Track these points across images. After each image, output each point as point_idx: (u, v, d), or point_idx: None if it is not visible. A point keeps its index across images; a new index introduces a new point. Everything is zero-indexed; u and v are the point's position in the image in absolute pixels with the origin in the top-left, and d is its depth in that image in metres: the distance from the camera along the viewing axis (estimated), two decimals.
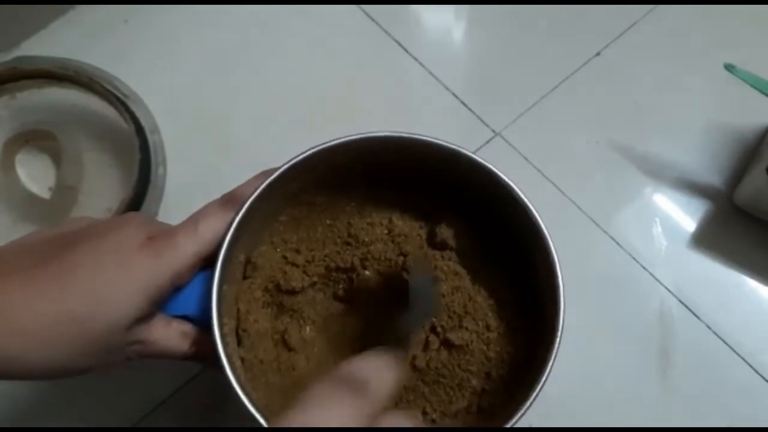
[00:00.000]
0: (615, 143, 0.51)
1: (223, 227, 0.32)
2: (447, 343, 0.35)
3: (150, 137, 0.47)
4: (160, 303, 0.31)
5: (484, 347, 0.35)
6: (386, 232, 0.38)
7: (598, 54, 0.53)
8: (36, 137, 0.49)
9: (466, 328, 0.35)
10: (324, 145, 0.34)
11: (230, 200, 0.32)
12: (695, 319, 0.46)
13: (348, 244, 0.38)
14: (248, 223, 0.33)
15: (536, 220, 0.33)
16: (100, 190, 0.48)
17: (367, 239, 0.38)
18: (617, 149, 0.50)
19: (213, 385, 0.44)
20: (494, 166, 0.34)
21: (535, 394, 0.30)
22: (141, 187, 0.45)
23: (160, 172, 0.47)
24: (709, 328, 0.46)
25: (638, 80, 0.52)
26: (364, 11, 0.54)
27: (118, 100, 0.46)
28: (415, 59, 0.53)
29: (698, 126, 0.51)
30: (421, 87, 0.52)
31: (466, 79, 0.52)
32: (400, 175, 0.37)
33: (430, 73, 0.52)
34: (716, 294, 0.47)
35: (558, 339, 0.31)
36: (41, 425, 0.44)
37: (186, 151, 0.49)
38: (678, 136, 0.51)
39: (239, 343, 0.34)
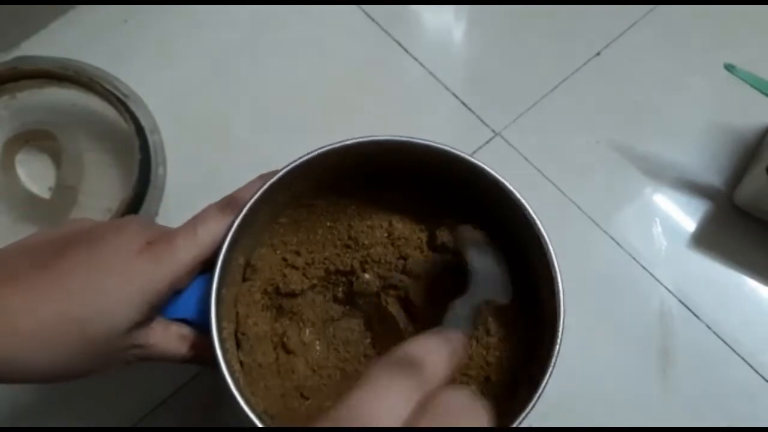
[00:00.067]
0: (615, 143, 0.51)
1: (222, 231, 0.32)
2: None
3: (150, 137, 0.47)
4: (159, 307, 0.31)
5: (484, 352, 0.35)
6: (386, 234, 0.38)
7: (598, 54, 0.53)
8: (36, 137, 0.49)
9: None
10: (324, 149, 0.33)
11: (229, 204, 0.32)
12: (695, 319, 0.46)
13: (348, 246, 0.38)
14: (248, 227, 0.33)
15: (534, 221, 0.33)
16: (100, 190, 0.48)
17: (367, 242, 0.38)
18: (617, 149, 0.50)
19: (213, 385, 0.44)
20: (493, 169, 0.34)
21: (536, 398, 0.30)
22: (141, 187, 0.45)
23: (160, 172, 0.47)
24: (709, 328, 0.46)
25: (638, 80, 0.52)
26: (364, 11, 0.54)
27: (118, 100, 0.46)
28: (415, 59, 0.53)
29: (698, 126, 0.51)
30: (421, 87, 0.52)
31: (466, 79, 0.52)
32: (399, 177, 0.37)
33: (430, 73, 0.52)
34: (716, 294, 0.47)
35: (558, 341, 0.31)
36: (41, 425, 0.44)
37: (186, 151, 0.49)
38: (678, 136, 0.51)
39: (238, 346, 0.34)
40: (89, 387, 0.44)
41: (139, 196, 0.45)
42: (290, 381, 0.36)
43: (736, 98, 0.49)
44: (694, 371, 0.45)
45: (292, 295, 0.37)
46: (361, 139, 0.34)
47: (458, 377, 0.35)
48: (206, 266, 0.32)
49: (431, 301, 0.37)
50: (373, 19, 0.54)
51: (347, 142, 0.34)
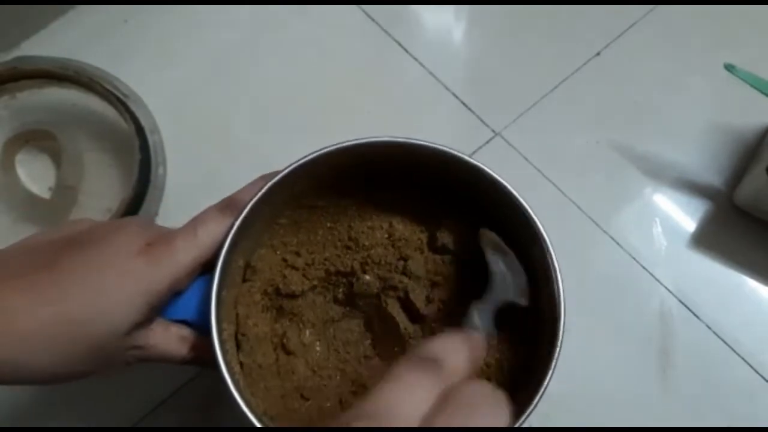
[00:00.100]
0: (615, 143, 0.51)
1: (222, 232, 0.32)
2: None
3: (150, 137, 0.47)
4: (159, 308, 0.31)
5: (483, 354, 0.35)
6: (387, 236, 0.38)
7: (598, 54, 0.53)
8: (36, 137, 0.49)
9: None
10: (325, 150, 0.33)
11: (229, 205, 0.32)
12: (695, 319, 0.46)
13: (348, 247, 0.38)
14: (248, 228, 0.33)
15: (534, 221, 0.33)
16: (100, 190, 0.48)
17: (367, 243, 0.38)
18: (617, 149, 0.50)
19: (213, 385, 0.44)
20: (491, 169, 0.34)
21: (537, 398, 0.30)
22: (141, 187, 0.45)
23: (160, 172, 0.47)
24: (709, 328, 0.46)
25: (638, 80, 0.52)
26: (364, 11, 0.54)
27: (118, 100, 0.46)
28: (415, 59, 0.53)
29: (698, 126, 0.51)
30: (421, 87, 0.52)
31: (466, 80, 0.52)
32: (400, 177, 0.37)
33: (430, 73, 0.52)
34: (716, 294, 0.47)
35: (559, 342, 0.31)
36: (41, 425, 0.44)
37: (186, 151, 0.49)
38: (678, 136, 0.51)
39: (238, 347, 0.34)
40: (89, 387, 0.44)
41: (139, 196, 0.45)
42: (290, 382, 0.36)
43: (736, 98, 0.49)
44: (694, 371, 0.45)
45: (293, 296, 0.37)
46: (362, 141, 0.34)
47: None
48: (206, 267, 0.32)
49: (450, 301, 0.38)
50: (373, 19, 0.54)
51: (349, 143, 0.34)
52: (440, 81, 0.52)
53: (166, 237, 0.31)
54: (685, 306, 0.47)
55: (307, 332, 0.38)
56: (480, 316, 0.31)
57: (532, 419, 0.30)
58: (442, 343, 0.25)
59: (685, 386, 0.45)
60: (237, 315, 0.35)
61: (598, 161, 0.50)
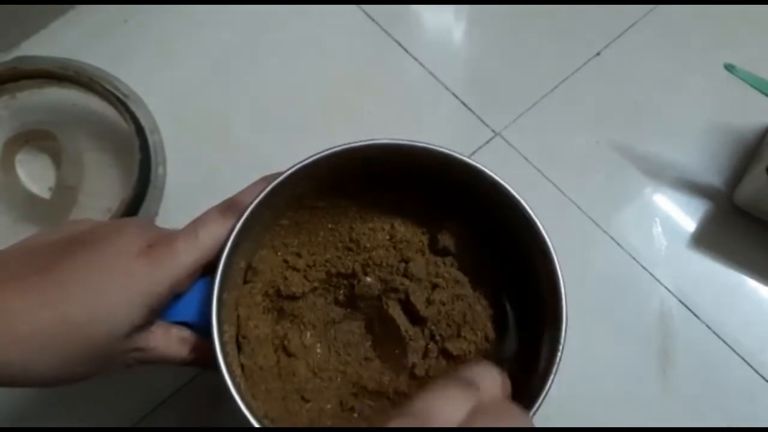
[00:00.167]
0: (615, 143, 0.51)
1: (224, 234, 0.32)
2: (445, 353, 0.35)
3: (150, 137, 0.47)
4: (160, 310, 0.31)
5: (482, 357, 0.35)
6: (388, 237, 0.38)
7: (598, 54, 0.53)
8: (36, 137, 0.49)
9: (465, 338, 0.35)
10: (327, 152, 0.33)
11: (230, 207, 0.32)
12: (695, 319, 0.46)
13: (349, 249, 0.38)
14: (249, 229, 0.33)
15: (534, 221, 0.33)
16: (100, 190, 0.48)
17: (368, 245, 0.37)
18: (617, 149, 0.50)
19: (213, 385, 0.44)
20: (491, 170, 0.34)
21: (540, 399, 0.30)
22: (141, 187, 0.45)
23: (160, 172, 0.47)
24: (709, 328, 0.46)
25: (638, 80, 0.52)
26: (364, 11, 0.54)
27: (118, 100, 0.46)
28: (415, 59, 0.53)
29: (698, 126, 0.51)
30: (421, 87, 0.52)
31: (466, 80, 0.52)
32: (401, 178, 0.37)
33: (430, 73, 0.52)
34: (716, 294, 0.47)
35: (562, 342, 0.31)
36: (41, 425, 0.44)
37: (186, 151, 0.49)
38: (678, 136, 0.51)
39: (239, 349, 0.34)
40: (89, 387, 0.44)
41: (139, 196, 0.45)
42: (291, 384, 0.36)
43: (736, 98, 0.49)
44: (694, 371, 0.45)
45: (293, 297, 0.37)
46: (364, 143, 0.34)
47: None
48: (207, 269, 0.32)
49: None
50: (373, 19, 0.54)
51: (350, 145, 0.33)
52: (440, 81, 0.52)
53: (167, 238, 0.31)
54: (685, 306, 0.47)
55: (308, 334, 0.38)
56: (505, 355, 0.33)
57: (533, 419, 0.30)
58: (480, 370, 0.27)
59: (685, 386, 0.45)
60: (238, 317, 0.35)
61: (598, 161, 0.50)
